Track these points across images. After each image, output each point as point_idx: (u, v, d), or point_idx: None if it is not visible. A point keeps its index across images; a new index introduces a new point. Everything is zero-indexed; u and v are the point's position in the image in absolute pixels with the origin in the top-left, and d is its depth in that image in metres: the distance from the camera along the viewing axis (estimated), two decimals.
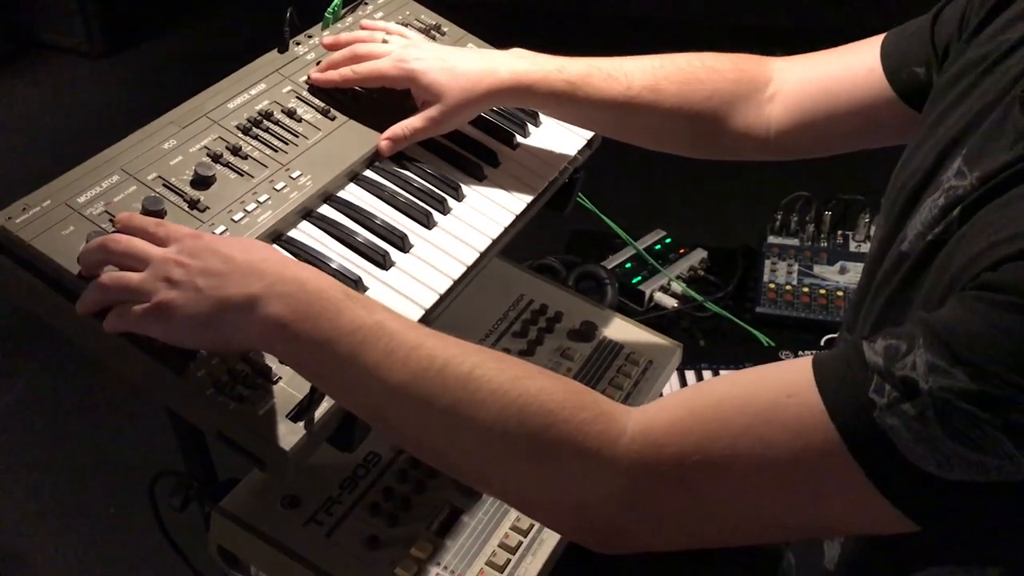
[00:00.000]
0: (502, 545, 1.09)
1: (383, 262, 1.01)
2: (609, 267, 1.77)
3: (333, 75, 1.11)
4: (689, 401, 0.74)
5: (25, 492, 2.21)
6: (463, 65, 1.08)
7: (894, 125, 1.02)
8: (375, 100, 1.13)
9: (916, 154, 0.86)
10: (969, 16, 0.91)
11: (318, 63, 1.14)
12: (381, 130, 1.10)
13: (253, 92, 1.09)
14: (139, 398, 2.39)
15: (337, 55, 1.13)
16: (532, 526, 1.11)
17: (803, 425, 0.66)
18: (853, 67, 1.04)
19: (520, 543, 1.09)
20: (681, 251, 1.85)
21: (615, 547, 0.77)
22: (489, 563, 1.07)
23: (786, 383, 0.69)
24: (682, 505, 0.72)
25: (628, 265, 1.81)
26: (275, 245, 0.99)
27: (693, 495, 0.71)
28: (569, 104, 1.09)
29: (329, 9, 1.21)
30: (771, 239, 1.81)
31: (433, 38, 1.25)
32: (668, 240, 1.87)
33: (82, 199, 0.93)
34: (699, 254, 1.83)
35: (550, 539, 1.11)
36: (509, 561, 1.08)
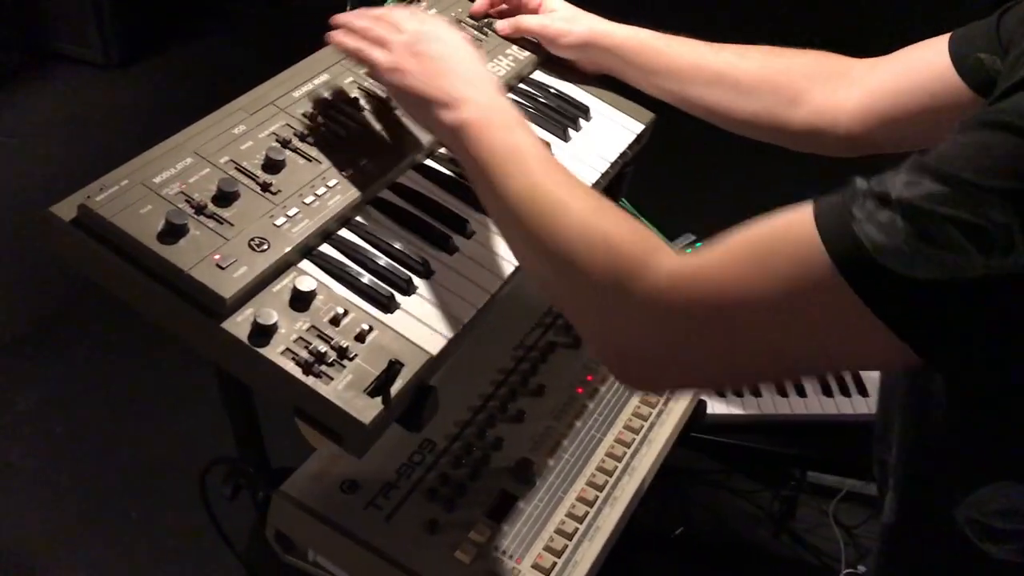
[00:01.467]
0: (559, 531, 1.10)
1: (447, 246, 1.02)
2: None
3: None
4: (716, 245, 0.78)
5: (48, 497, 2.21)
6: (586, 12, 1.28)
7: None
8: None
9: None
10: None
11: None
12: None
13: (317, 82, 1.11)
14: (161, 400, 2.41)
15: None
16: (587, 513, 1.12)
17: (800, 253, 0.70)
18: (923, 60, 1.06)
19: (576, 529, 1.10)
20: None
21: (647, 379, 0.86)
22: (547, 548, 1.08)
23: (789, 219, 0.73)
24: (696, 338, 0.77)
25: None
26: (344, 230, 1.00)
27: (705, 329, 0.76)
28: (659, 60, 1.20)
29: (386, 2, 1.23)
30: None
31: (485, 35, 1.28)
32: (698, 244, 1.88)
33: (158, 179, 0.94)
34: None
35: (605, 525, 1.12)
36: (566, 547, 1.09)
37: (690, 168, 2.86)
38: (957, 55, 1.02)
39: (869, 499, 2.16)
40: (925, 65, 1.06)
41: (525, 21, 1.28)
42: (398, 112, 1.11)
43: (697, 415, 1.33)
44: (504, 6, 1.31)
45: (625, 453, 1.20)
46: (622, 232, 0.82)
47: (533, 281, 0.92)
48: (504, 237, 0.96)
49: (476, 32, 1.28)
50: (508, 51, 1.27)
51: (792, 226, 0.72)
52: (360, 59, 1.03)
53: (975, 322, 0.68)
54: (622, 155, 1.23)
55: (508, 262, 1.03)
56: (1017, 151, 0.64)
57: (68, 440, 2.35)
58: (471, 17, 1.30)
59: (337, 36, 1.06)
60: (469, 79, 0.97)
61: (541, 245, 0.86)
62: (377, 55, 1.01)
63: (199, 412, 2.35)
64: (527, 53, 1.28)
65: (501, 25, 1.29)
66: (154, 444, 2.30)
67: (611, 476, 1.17)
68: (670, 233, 1.89)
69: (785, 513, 2.22)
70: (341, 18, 1.07)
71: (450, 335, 0.95)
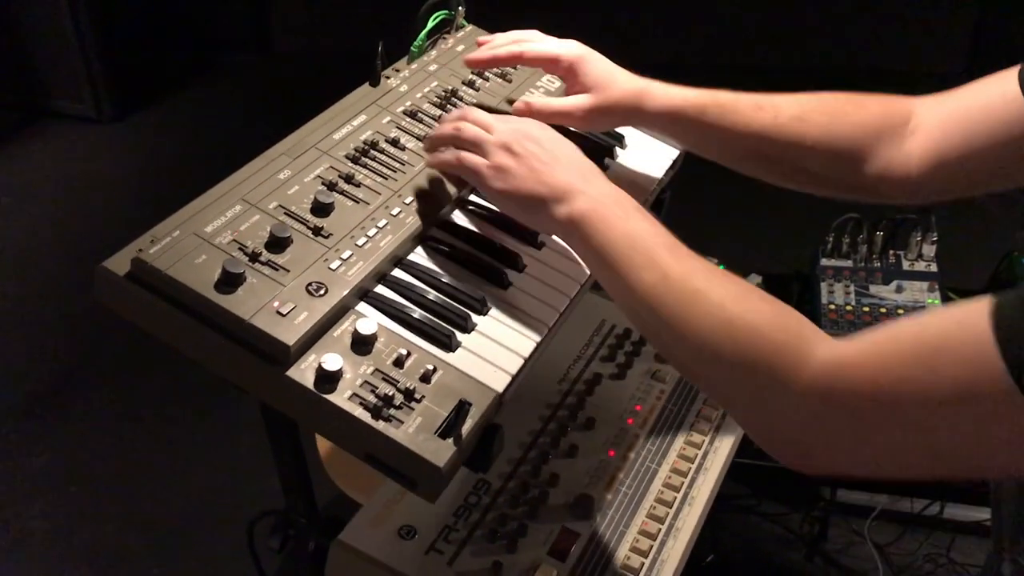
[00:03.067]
0: (624, 566, 1.08)
1: (501, 281, 1.01)
2: None
3: (500, 51, 1.14)
4: (875, 335, 0.77)
5: (63, 561, 2.16)
6: (624, 75, 1.12)
7: None
8: None
9: None
10: None
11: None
12: None
13: (355, 123, 1.10)
14: (178, 459, 2.37)
15: (500, 38, 1.17)
16: (651, 547, 1.10)
17: (971, 356, 0.68)
18: (993, 95, 1.02)
19: (642, 564, 1.08)
20: None
21: (802, 466, 0.82)
22: None
23: (960, 315, 0.71)
24: (855, 432, 0.75)
25: None
26: (398, 270, 0.99)
27: (864, 423, 0.74)
28: (714, 130, 1.09)
29: (415, 43, 1.23)
30: (824, 261, 1.82)
31: (514, 68, 1.27)
32: (721, 267, 1.87)
33: (209, 229, 0.93)
34: (754, 280, 1.84)
35: (671, 558, 1.10)
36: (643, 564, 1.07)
37: (712, 192, 2.86)
38: None
39: (900, 516, 2.14)
40: (996, 98, 1.01)
41: (551, 108, 1.13)
42: None
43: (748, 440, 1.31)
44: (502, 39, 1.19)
45: (683, 483, 1.18)
46: (768, 319, 0.81)
47: (676, 369, 0.92)
48: (639, 328, 0.93)
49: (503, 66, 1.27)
50: (538, 83, 1.27)
51: (963, 325, 0.70)
52: (462, 170, 1.01)
53: None
54: (659, 182, 1.22)
55: (562, 294, 1.02)
56: None
57: (83, 501, 2.30)
58: (466, 64, 1.18)
59: (434, 157, 1.04)
60: (574, 171, 0.96)
61: (682, 337, 0.84)
62: (478, 162, 0.99)
63: (216, 470, 2.33)
64: (558, 83, 1.27)
65: (519, 106, 1.14)
66: (172, 503, 2.26)
67: (671, 507, 1.15)
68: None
69: (817, 535, 2.20)
70: (432, 135, 1.07)
71: (514, 371, 0.93)
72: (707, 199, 2.35)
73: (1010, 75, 1.01)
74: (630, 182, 1.20)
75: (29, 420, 2.48)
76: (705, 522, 2.49)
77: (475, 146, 1.00)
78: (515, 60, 1.15)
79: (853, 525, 2.21)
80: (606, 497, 1.15)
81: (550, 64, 1.14)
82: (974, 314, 0.70)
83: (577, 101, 1.11)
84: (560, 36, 1.17)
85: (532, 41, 1.15)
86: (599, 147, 1.22)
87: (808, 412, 0.77)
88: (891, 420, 0.73)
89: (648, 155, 1.25)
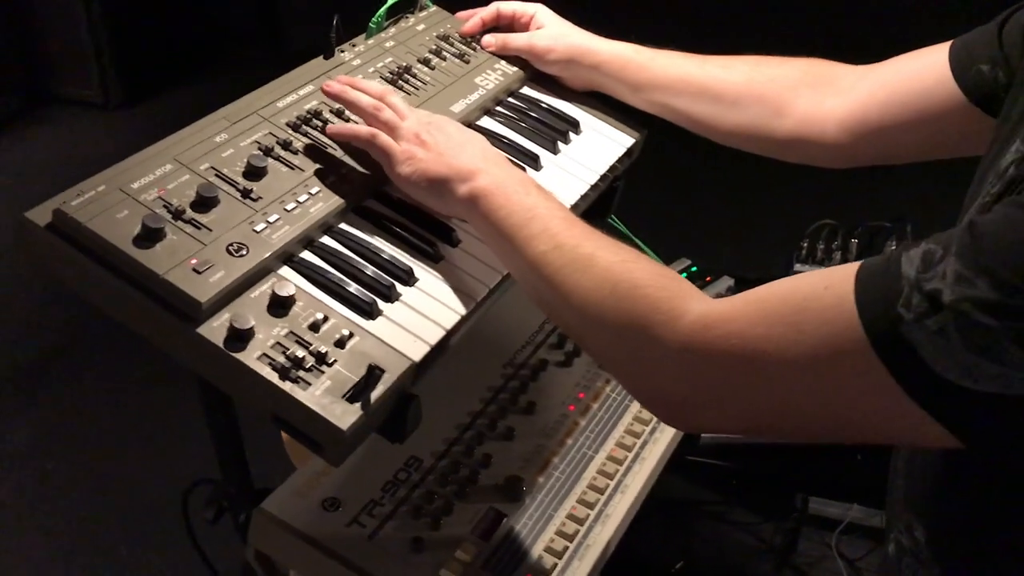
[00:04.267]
0: (548, 550, 1.07)
1: (433, 254, 1.00)
2: None
3: (483, 11, 1.31)
4: (748, 293, 0.78)
5: (37, 536, 2.17)
6: (576, 28, 1.28)
7: (963, 130, 1.01)
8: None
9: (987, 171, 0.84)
10: None
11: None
12: None
13: (301, 93, 1.10)
14: (157, 436, 2.37)
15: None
16: (577, 531, 1.09)
17: (833, 317, 0.69)
18: (921, 69, 1.04)
19: (566, 548, 1.07)
20: (707, 279, 1.84)
21: (676, 421, 0.88)
22: (535, 567, 1.05)
23: (827, 277, 0.72)
24: (722, 387, 0.77)
25: None
26: (326, 237, 0.99)
27: (731, 378, 0.76)
28: (643, 75, 1.20)
29: (373, 19, 1.23)
30: (797, 267, 1.81)
31: (473, 50, 1.27)
32: (694, 269, 1.87)
33: (136, 185, 0.93)
34: (725, 282, 1.83)
35: (596, 544, 1.09)
36: (556, 566, 1.06)
37: (687, 194, 2.86)
38: (957, 65, 1.00)
39: (871, 530, 2.11)
40: (922, 74, 1.03)
41: (512, 40, 1.28)
42: None
43: (692, 436, 1.30)
44: (495, 24, 1.31)
45: (617, 471, 1.17)
46: (647, 280, 0.83)
47: (565, 333, 0.95)
48: (531, 298, 0.94)
49: (463, 47, 1.27)
50: (496, 65, 1.27)
51: (829, 288, 0.71)
52: (373, 148, 1.02)
53: None
54: (611, 169, 1.22)
55: (495, 270, 1.01)
56: None
57: (59, 478, 2.31)
58: (461, 36, 1.30)
59: (348, 127, 1.05)
60: (478, 156, 0.99)
61: (570, 300, 0.87)
62: (390, 144, 1.01)
63: (194, 447, 2.32)
64: (515, 68, 1.27)
65: (487, 40, 1.29)
66: (147, 481, 2.26)
67: (602, 494, 1.14)
68: (666, 259, 1.88)
69: (787, 546, 2.18)
70: (337, 87, 1.07)
71: (433, 341, 0.92)
72: (683, 201, 2.35)
73: (939, 50, 1.03)
74: (582, 167, 1.19)
75: (9, 396, 2.50)
76: (675, 527, 2.46)
77: (389, 129, 1.02)
78: (495, 14, 1.30)
79: (824, 538, 2.19)
80: (538, 481, 1.14)
81: (517, 16, 1.29)
82: (840, 277, 0.71)
83: (538, 36, 1.26)
84: None
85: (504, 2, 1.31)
86: (553, 130, 1.22)
87: (680, 367, 0.79)
88: (756, 376, 0.74)
89: (602, 142, 1.25)
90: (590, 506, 1.12)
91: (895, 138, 1.06)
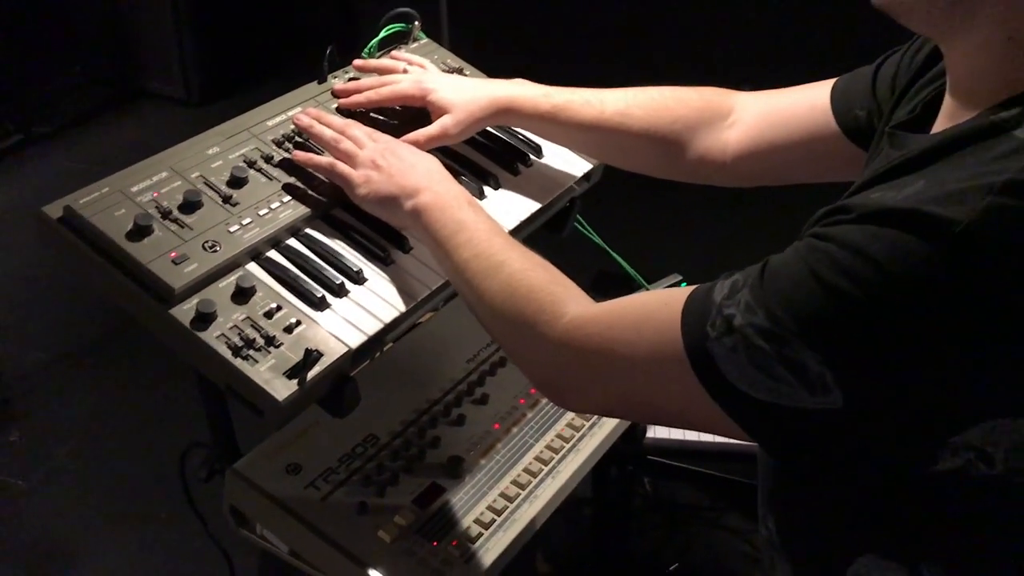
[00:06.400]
0: (477, 521, 1.22)
1: (385, 258, 1.16)
2: None
3: (359, 98, 1.30)
4: (614, 301, 0.94)
5: (87, 494, 2.41)
6: (469, 87, 1.29)
7: (841, 159, 1.15)
8: (391, 128, 1.30)
9: None
10: (900, 75, 1.05)
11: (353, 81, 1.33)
12: None
13: (290, 113, 1.27)
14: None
15: (364, 81, 1.32)
16: (506, 507, 1.24)
17: (665, 330, 0.84)
18: (806, 102, 1.18)
19: (493, 520, 1.22)
20: None
21: (562, 400, 1.03)
22: (464, 534, 1.20)
23: (670, 295, 0.88)
24: (587, 378, 0.94)
25: None
26: (292, 239, 1.16)
27: (593, 370, 0.93)
28: (552, 125, 1.28)
29: (365, 49, 1.40)
30: None
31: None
32: (683, 283, 1.98)
33: (135, 188, 1.11)
34: (674, 278, 1.93)
35: (521, 519, 1.23)
36: (481, 535, 1.20)
37: (674, 209, 2.95)
38: (837, 107, 1.14)
39: None
40: (807, 106, 1.17)
41: (425, 136, 1.24)
42: None
43: (631, 435, 1.43)
44: (366, 83, 1.32)
45: (553, 458, 1.31)
46: (540, 284, 0.99)
47: (484, 328, 1.08)
48: (461, 297, 1.10)
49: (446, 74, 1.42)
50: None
51: (668, 305, 0.86)
52: (333, 176, 1.17)
53: (810, 436, 0.81)
54: (565, 192, 1.36)
55: (437, 275, 1.17)
56: (825, 309, 0.75)
57: (111, 444, 2.55)
58: (338, 111, 1.30)
59: (309, 157, 1.19)
60: (424, 175, 1.13)
61: (482, 299, 1.03)
62: (348, 172, 1.15)
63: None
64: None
65: (408, 139, 1.24)
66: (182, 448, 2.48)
67: (535, 477, 1.28)
68: (657, 273, 2.00)
69: None
70: (306, 121, 1.22)
71: (371, 332, 1.08)
72: (674, 216, 2.42)
73: (824, 86, 1.17)
74: (537, 188, 1.34)
75: (74, 369, 2.77)
76: (672, 531, 2.57)
77: (348, 158, 1.17)
78: (373, 105, 1.30)
79: None
80: (480, 462, 1.29)
81: (407, 101, 1.29)
82: (678, 296, 0.86)
83: (441, 124, 1.25)
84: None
85: (385, 85, 1.30)
86: (515, 153, 1.37)
87: (557, 359, 0.95)
88: (608, 369, 0.91)
89: (560, 166, 1.39)
90: (522, 487, 1.27)
91: (781, 159, 1.21)
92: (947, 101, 0.88)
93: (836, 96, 1.15)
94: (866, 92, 1.11)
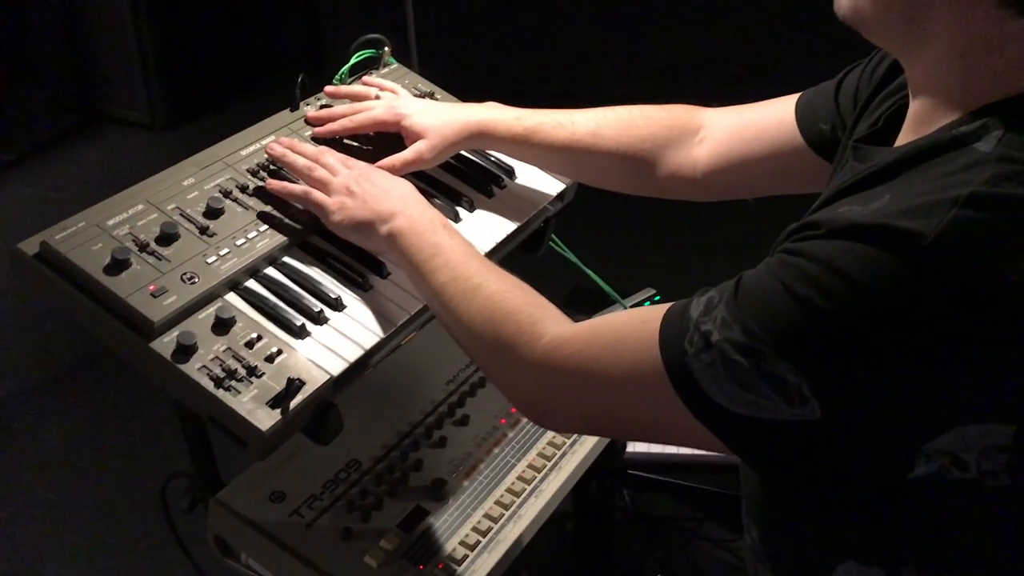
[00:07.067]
0: (462, 543, 1.23)
1: (363, 284, 1.17)
2: None
3: (334, 126, 1.30)
4: (592, 320, 0.96)
5: (66, 525, 2.38)
6: (443, 112, 1.31)
7: (808, 172, 1.17)
8: (365, 154, 1.31)
9: None
10: (861, 89, 1.08)
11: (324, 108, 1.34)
12: None
13: (264, 142, 1.28)
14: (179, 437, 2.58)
15: (337, 108, 1.33)
16: (491, 528, 1.25)
17: (643, 348, 0.86)
18: (773, 117, 1.21)
19: (478, 542, 1.23)
20: None
21: (542, 421, 1.06)
22: (449, 556, 1.21)
23: (647, 313, 0.89)
24: (566, 397, 0.96)
25: None
26: (271, 268, 1.16)
27: (571, 390, 0.94)
28: (526, 147, 1.31)
29: (336, 76, 1.41)
30: None
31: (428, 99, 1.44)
32: (657, 298, 2.00)
33: (111, 222, 1.11)
34: (647, 292, 1.95)
35: (506, 539, 1.24)
36: (467, 557, 1.21)
37: (650, 225, 2.99)
38: (801, 120, 1.17)
39: None
40: (773, 120, 1.20)
41: (399, 162, 1.25)
42: None
43: (612, 452, 1.44)
44: (339, 111, 1.32)
45: (535, 477, 1.32)
46: (518, 306, 1.00)
47: (462, 350, 1.09)
48: (439, 319, 1.11)
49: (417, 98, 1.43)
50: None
51: (646, 323, 0.88)
52: (308, 204, 1.17)
53: (790, 448, 0.82)
54: (539, 212, 1.38)
55: (415, 299, 1.17)
56: (799, 322, 0.77)
57: (89, 474, 2.52)
58: (314, 139, 1.30)
59: (283, 186, 1.19)
60: (399, 200, 1.14)
61: (460, 322, 1.03)
62: (323, 199, 1.16)
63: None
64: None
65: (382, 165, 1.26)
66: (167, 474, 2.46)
67: (519, 497, 1.29)
68: (631, 287, 2.02)
69: None
70: (279, 150, 1.22)
71: (352, 359, 1.09)
72: (649, 230, 2.45)
73: (789, 101, 1.19)
74: (511, 209, 1.35)
75: (47, 397, 2.74)
76: (655, 542, 2.58)
77: (322, 185, 1.17)
78: (348, 132, 1.30)
79: None
80: (463, 484, 1.30)
81: (382, 127, 1.30)
82: (655, 314, 0.87)
83: (416, 149, 1.26)
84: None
85: (358, 111, 1.31)
86: (489, 176, 1.38)
87: (536, 379, 0.96)
88: (587, 388, 0.92)
89: (533, 188, 1.40)
90: (506, 507, 1.28)
91: (749, 173, 1.23)
92: (910, 114, 0.90)
93: (800, 110, 1.17)
94: (829, 106, 1.13)
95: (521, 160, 1.37)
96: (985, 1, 0.78)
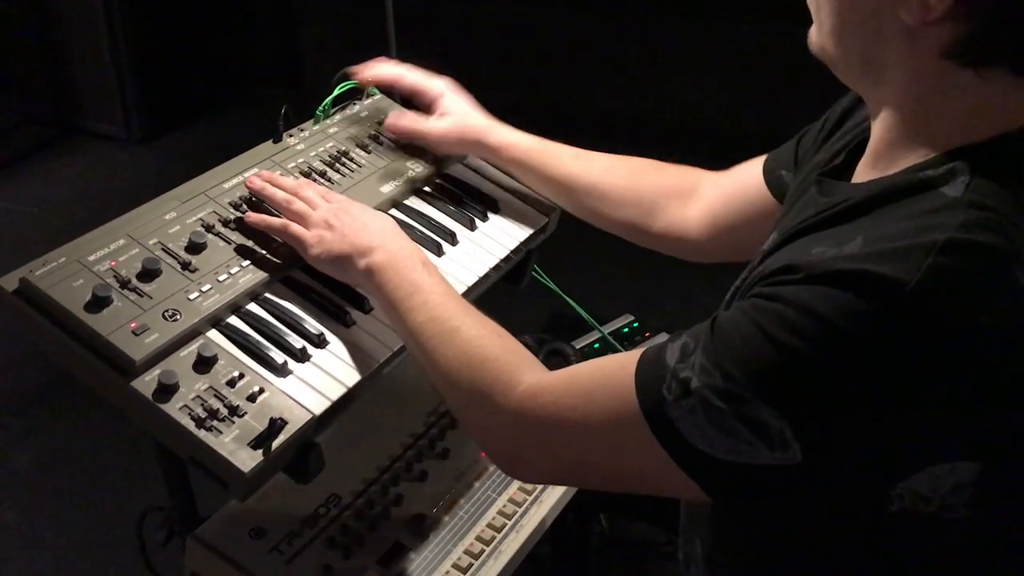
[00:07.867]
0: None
1: (345, 320, 1.17)
2: (578, 347, 1.92)
3: (384, 72, 1.41)
4: (569, 368, 0.96)
5: (35, 552, 2.34)
6: (478, 112, 1.39)
7: None
8: (343, 188, 1.30)
9: None
10: (821, 131, 1.10)
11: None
12: None
13: (246, 175, 1.27)
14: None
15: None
16: (471, 564, 1.24)
17: (619, 395, 0.86)
18: (748, 175, 1.23)
19: (471, 564, 1.23)
20: (647, 335, 2.00)
21: (514, 472, 1.05)
22: None
23: (623, 359, 0.89)
24: (541, 447, 0.95)
25: (596, 346, 1.96)
26: (253, 304, 1.15)
27: (547, 439, 0.94)
28: (540, 171, 1.35)
29: (320, 108, 1.40)
30: None
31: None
32: (635, 324, 2.02)
33: (92, 258, 1.10)
34: (663, 338, 1.97)
35: (495, 567, 1.24)
36: None
37: (629, 253, 3.01)
38: (766, 173, 1.19)
39: None
40: (747, 179, 1.22)
41: (408, 127, 1.38)
42: None
43: None
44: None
45: (516, 512, 1.32)
46: (497, 354, 0.99)
47: (429, 378, 1.08)
48: (414, 358, 1.11)
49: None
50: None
51: (622, 368, 0.88)
52: (286, 237, 1.17)
53: (769, 491, 0.83)
54: (522, 244, 1.38)
55: (397, 336, 1.17)
56: (782, 367, 0.77)
57: (60, 498, 2.49)
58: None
59: (262, 219, 1.19)
60: (377, 234, 1.14)
61: (436, 365, 1.03)
62: (301, 232, 1.16)
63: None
64: None
65: (389, 123, 1.40)
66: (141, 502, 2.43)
67: (499, 532, 1.29)
68: (610, 314, 2.03)
69: None
70: (259, 183, 1.22)
71: (334, 398, 1.08)
72: (626, 260, 2.46)
73: (760, 160, 1.22)
74: (495, 243, 1.36)
75: (16, 419, 2.70)
76: (631, 565, 2.58)
77: (301, 219, 1.17)
78: (396, 80, 1.40)
79: None
80: (443, 519, 1.29)
81: (420, 93, 1.38)
82: (630, 360, 0.87)
83: (435, 123, 1.36)
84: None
85: (410, 73, 1.40)
86: (472, 209, 1.38)
87: (510, 428, 0.96)
88: (563, 437, 0.92)
89: (515, 220, 1.40)
90: (486, 543, 1.27)
91: (735, 236, 1.24)
92: (869, 147, 0.91)
93: (767, 168, 1.20)
94: (790, 156, 1.16)
95: (524, 181, 1.40)
96: (930, 51, 0.80)
